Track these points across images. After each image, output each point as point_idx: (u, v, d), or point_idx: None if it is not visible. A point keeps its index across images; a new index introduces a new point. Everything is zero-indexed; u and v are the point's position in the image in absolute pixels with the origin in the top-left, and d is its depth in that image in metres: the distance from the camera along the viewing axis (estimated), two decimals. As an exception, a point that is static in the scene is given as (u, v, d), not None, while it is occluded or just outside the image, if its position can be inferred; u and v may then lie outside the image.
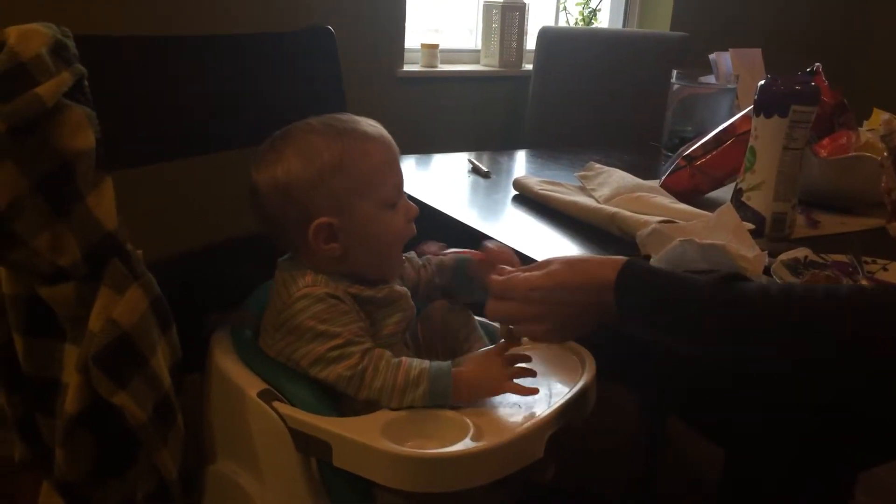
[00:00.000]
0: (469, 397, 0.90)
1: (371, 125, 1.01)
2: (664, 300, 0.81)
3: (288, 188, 0.97)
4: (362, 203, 0.97)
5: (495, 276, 0.93)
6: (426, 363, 0.91)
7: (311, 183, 0.96)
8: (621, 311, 0.83)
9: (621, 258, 0.84)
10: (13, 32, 0.84)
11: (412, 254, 1.13)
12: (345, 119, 1.01)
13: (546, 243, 1.16)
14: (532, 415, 0.88)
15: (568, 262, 0.88)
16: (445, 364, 0.91)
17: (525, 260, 1.08)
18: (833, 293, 0.75)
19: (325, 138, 0.98)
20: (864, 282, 0.98)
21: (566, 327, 0.89)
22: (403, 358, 0.92)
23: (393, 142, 1.02)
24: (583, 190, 1.37)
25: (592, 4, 3.17)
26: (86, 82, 0.90)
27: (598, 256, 0.89)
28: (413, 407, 0.89)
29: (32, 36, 0.85)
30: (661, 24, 3.14)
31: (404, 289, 1.04)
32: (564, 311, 0.87)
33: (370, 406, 0.90)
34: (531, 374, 0.93)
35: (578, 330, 0.89)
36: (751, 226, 1.12)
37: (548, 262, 0.90)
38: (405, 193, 1.03)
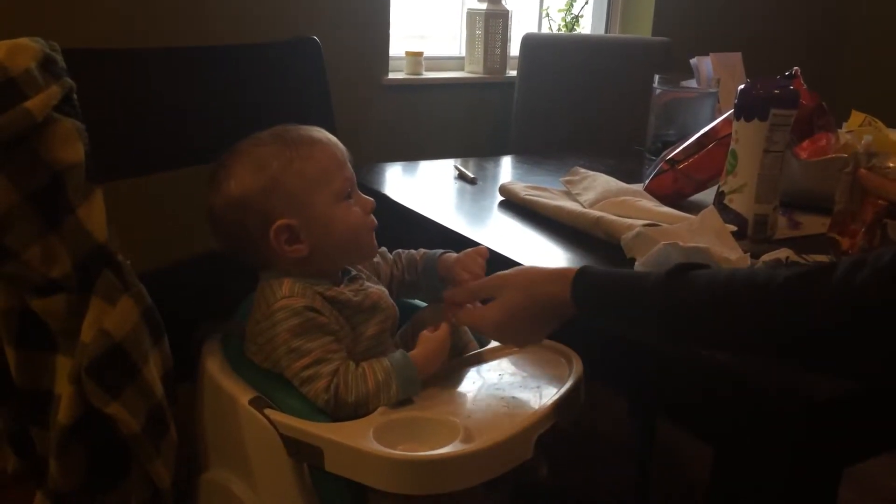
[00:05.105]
0: (430, 370, 0.97)
1: (316, 130, 1.05)
2: (617, 300, 0.85)
3: (243, 200, 0.99)
4: (317, 197, 1.00)
5: (460, 315, 0.99)
6: (386, 361, 0.94)
7: (265, 188, 0.99)
8: (583, 318, 0.89)
9: (571, 270, 0.88)
10: (2, 48, 0.85)
11: (384, 249, 1.14)
12: (289, 128, 1.04)
13: (532, 248, 1.18)
14: (521, 416, 0.90)
15: (521, 288, 0.92)
16: (402, 355, 0.95)
17: (509, 263, 1.09)
18: (773, 279, 0.73)
19: (271, 148, 1.00)
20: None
21: (535, 334, 0.97)
22: (364, 365, 0.94)
23: (339, 144, 1.06)
24: (568, 195, 1.38)
25: (575, 11, 3.19)
26: (74, 95, 0.91)
27: (548, 270, 0.93)
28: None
29: (21, 51, 0.86)
30: (642, 29, 3.16)
31: (380, 288, 1.06)
32: (529, 328, 0.95)
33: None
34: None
35: (547, 331, 0.95)
36: (733, 228, 1.13)
37: (500, 287, 0.95)
38: (358, 190, 1.06)
